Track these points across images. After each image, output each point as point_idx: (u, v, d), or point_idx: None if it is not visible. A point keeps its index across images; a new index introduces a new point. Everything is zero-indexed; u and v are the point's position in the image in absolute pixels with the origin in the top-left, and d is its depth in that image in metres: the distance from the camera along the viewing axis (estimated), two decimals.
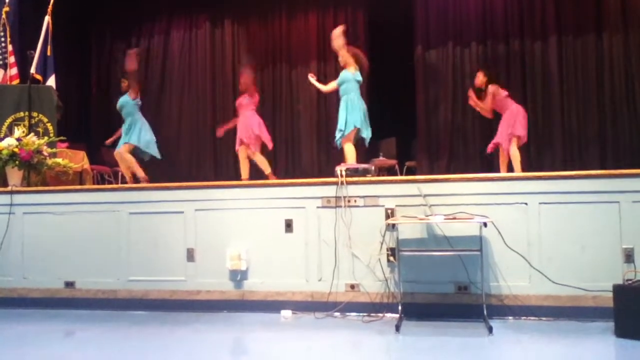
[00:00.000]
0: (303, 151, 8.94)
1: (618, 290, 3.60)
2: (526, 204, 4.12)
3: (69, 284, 4.81)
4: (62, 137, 5.92)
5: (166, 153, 8.71)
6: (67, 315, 4.61)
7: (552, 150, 7.68)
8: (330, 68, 8.87)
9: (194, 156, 9.32)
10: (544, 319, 4.00)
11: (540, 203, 4.10)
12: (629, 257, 3.94)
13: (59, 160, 5.49)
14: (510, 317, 4.06)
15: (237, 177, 7.54)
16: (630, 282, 3.71)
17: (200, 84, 9.39)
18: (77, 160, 6.52)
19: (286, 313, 4.34)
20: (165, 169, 8.36)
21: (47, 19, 6.70)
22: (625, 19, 7.61)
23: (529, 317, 4.04)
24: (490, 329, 3.70)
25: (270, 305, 4.42)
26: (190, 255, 4.63)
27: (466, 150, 8.30)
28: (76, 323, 4.40)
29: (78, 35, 9.58)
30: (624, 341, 3.46)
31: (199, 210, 4.66)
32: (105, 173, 7.83)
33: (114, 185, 6.88)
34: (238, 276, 4.53)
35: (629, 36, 7.56)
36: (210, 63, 9.43)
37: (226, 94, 9.25)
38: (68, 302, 4.78)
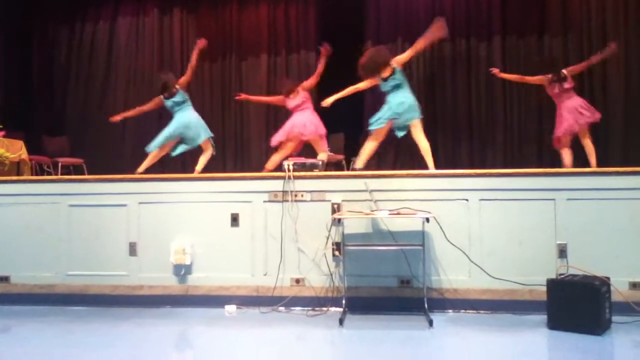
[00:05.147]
0: (252, 145, 8.85)
1: (551, 284, 3.77)
2: (467, 200, 4.24)
3: (3, 279, 4.64)
4: None
5: (110, 145, 8.51)
6: (1, 311, 4.44)
7: (494, 148, 7.90)
8: (280, 60, 8.83)
9: (140, 148, 9.06)
10: (482, 312, 4.15)
11: (480, 199, 4.24)
12: (562, 252, 4.12)
13: None
14: (450, 310, 4.18)
15: (184, 169, 7.41)
16: (562, 276, 3.89)
17: (147, 74, 9.13)
18: (14, 149, 6.24)
19: (230, 308, 4.32)
20: (109, 161, 8.15)
21: None
22: (565, 23, 7.90)
23: (468, 310, 4.17)
24: (430, 322, 3.80)
25: (214, 300, 4.39)
26: (133, 250, 4.54)
27: (413, 146, 8.41)
28: (12, 319, 4.25)
29: (19, 17, 9.11)
30: (555, 332, 3.64)
31: (142, 203, 4.57)
32: (44, 163, 7.52)
33: (54, 177, 6.64)
34: (182, 270, 4.47)
35: (568, 39, 7.85)
36: (158, 52, 9.18)
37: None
38: (2, 297, 4.60)
